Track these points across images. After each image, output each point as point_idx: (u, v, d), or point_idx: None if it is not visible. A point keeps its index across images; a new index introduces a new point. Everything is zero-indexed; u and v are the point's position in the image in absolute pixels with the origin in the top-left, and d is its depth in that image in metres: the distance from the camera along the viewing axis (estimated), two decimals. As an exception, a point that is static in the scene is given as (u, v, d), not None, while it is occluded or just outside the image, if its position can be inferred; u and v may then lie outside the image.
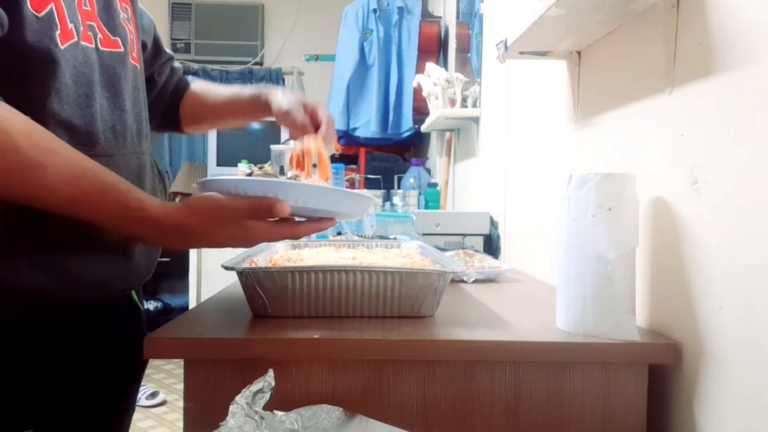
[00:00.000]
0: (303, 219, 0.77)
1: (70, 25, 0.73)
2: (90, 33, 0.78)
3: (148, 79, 1.00)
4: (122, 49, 0.84)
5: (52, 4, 0.71)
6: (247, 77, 4.74)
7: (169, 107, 1.12)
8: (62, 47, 0.72)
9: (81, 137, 0.74)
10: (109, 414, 0.92)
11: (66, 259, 0.75)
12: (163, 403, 2.99)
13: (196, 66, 4.75)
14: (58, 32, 0.71)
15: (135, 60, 0.88)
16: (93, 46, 0.78)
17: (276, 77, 4.75)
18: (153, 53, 1.04)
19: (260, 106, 1.03)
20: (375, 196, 2.84)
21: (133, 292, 0.96)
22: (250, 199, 0.71)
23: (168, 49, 1.10)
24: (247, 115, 1.10)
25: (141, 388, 2.96)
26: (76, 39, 0.74)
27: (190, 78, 1.15)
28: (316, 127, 0.93)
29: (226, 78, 4.74)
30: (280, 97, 0.98)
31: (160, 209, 0.71)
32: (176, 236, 0.72)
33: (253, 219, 0.71)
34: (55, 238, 0.74)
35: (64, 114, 0.73)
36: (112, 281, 0.83)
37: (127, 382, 0.95)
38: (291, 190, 0.71)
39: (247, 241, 0.74)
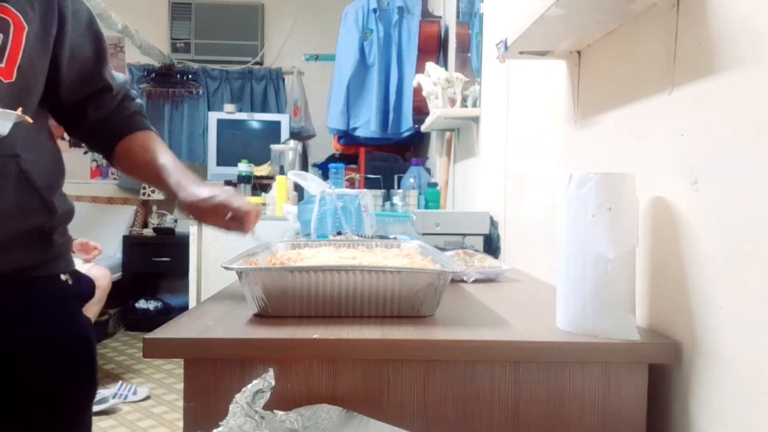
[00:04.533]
0: None
1: None
2: None
3: (75, 106, 1.03)
4: None
5: None
6: (247, 77, 4.75)
7: (104, 142, 1.10)
8: None
9: None
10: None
11: None
12: (147, 398, 3.03)
13: (196, 66, 4.75)
14: None
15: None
16: None
17: (276, 77, 4.75)
18: (80, 82, 1.02)
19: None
20: (375, 195, 2.84)
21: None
22: None
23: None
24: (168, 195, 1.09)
25: (124, 386, 2.96)
26: None
27: (145, 123, 1.13)
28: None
29: (226, 78, 4.74)
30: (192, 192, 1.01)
31: None
32: None
33: None
34: None
35: None
36: None
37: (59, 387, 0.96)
38: None
39: None
